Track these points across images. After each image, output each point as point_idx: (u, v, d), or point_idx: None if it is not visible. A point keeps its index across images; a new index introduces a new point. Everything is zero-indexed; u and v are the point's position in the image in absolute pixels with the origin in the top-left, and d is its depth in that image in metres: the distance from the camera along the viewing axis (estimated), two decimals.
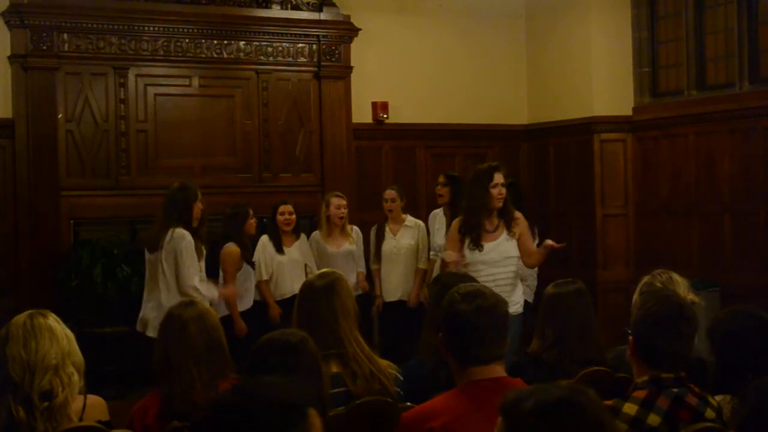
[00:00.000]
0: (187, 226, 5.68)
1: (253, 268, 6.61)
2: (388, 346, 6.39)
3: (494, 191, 5.48)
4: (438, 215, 7.19)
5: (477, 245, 5.50)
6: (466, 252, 5.53)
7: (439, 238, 6.89)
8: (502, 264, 5.53)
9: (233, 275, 6.42)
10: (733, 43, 7.80)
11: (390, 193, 7.13)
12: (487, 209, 5.52)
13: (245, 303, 6.53)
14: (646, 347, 2.78)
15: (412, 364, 3.66)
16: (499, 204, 5.52)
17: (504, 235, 5.57)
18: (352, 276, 6.68)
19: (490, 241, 5.54)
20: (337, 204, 6.87)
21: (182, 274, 5.60)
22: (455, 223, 5.70)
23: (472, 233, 5.51)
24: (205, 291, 5.68)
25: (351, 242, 6.94)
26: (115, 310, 7.10)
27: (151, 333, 5.67)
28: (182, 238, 5.61)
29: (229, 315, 6.31)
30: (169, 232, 5.64)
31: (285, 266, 6.79)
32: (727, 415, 2.77)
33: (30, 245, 7.36)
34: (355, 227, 7.11)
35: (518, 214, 5.72)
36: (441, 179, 7.21)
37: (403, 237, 7.11)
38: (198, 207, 5.79)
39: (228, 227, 6.61)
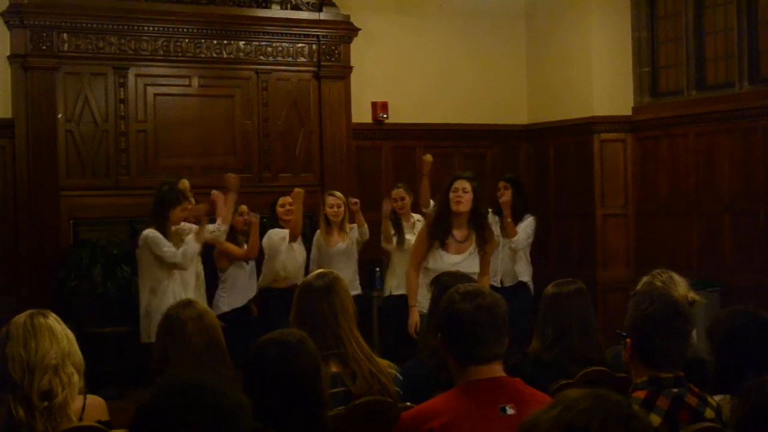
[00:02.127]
0: (161, 226, 5.74)
1: (246, 266, 6.60)
2: (393, 340, 6.45)
3: (452, 195, 5.51)
4: None
5: (443, 246, 5.50)
6: (432, 258, 5.51)
7: None
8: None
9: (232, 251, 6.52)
10: (733, 43, 7.80)
11: (398, 192, 7.12)
12: (451, 216, 5.52)
13: (235, 301, 6.54)
14: (644, 348, 2.77)
15: (411, 364, 3.66)
16: (456, 207, 5.51)
17: (471, 248, 5.55)
18: (348, 273, 6.71)
19: (456, 253, 5.52)
20: (331, 203, 6.93)
21: (163, 258, 5.68)
22: (423, 226, 5.77)
23: (440, 237, 5.52)
24: (191, 245, 5.76)
25: (344, 240, 6.98)
26: (115, 310, 7.11)
27: (144, 338, 5.71)
28: (146, 235, 5.71)
29: (226, 312, 6.32)
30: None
31: (294, 253, 6.81)
32: (726, 415, 2.77)
33: (30, 245, 7.36)
34: (354, 225, 7.12)
35: (494, 235, 5.80)
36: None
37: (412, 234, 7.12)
38: (179, 211, 5.83)
39: None
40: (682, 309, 2.83)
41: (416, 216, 7.18)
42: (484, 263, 5.66)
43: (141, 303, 5.86)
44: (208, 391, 1.71)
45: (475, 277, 5.40)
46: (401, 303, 7.03)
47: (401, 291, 7.10)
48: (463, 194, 5.52)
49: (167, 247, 5.68)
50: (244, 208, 6.69)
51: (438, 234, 5.51)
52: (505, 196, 7.04)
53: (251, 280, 6.71)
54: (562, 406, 1.52)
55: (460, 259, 5.48)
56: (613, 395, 1.55)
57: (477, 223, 5.58)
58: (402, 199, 7.08)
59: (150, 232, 5.71)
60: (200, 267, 6.18)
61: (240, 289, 6.61)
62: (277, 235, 6.75)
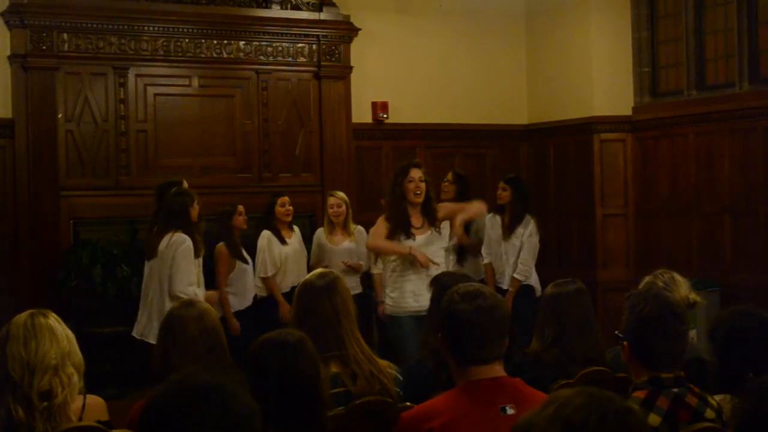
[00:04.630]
0: (187, 230, 5.65)
1: (248, 264, 6.63)
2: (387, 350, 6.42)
3: (410, 185, 5.58)
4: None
5: (408, 235, 5.56)
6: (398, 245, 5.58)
7: None
8: (437, 256, 5.59)
9: (224, 275, 6.54)
10: (733, 43, 7.80)
11: None
12: (407, 204, 5.59)
13: (244, 301, 6.56)
14: (642, 350, 2.77)
15: (412, 365, 3.66)
16: (417, 199, 5.61)
17: (430, 231, 5.65)
18: (349, 273, 6.70)
19: (419, 235, 5.62)
20: (330, 203, 6.98)
21: (174, 279, 5.53)
22: (381, 218, 5.74)
23: (401, 225, 5.58)
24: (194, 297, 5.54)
25: (351, 240, 6.98)
26: (115, 310, 7.09)
27: (152, 339, 5.65)
28: (182, 242, 5.56)
29: (238, 311, 6.36)
30: (167, 237, 5.61)
31: (290, 257, 6.86)
32: (727, 415, 2.77)
33: (30, 245, 7.35)
34: (359, 227, 7.12)
35: (439, 205, 5.87)
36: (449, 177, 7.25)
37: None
38: (195, 210, 5.77)
39: (217, 226, 6.70)
40: (676, 309, 2.83)
41: None
42: (447, 209, 5.83)
43: (152, 301, 5.74)
44: (222, 393, 1.69)
45: (441, 257, 5.64)
46: None
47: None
48: (420, 184, 5.60)
49: (191, 287, 5.53)
50: (241, 208, 6.70)
51: (400, 226, 5.58)
52: (502, 198, 6.97)
53: (251, 274, 6.73)
54: (557, 404, 1.51)
55: (423, 238, 5.59)
56: (606, 392, 1.55)
57: (428, 207, 5.68)
58: None
59: (188, 246, 5.56)
60: (200, 269, 6.16)
61: (249, 288, 6.65)
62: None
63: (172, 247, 5.57)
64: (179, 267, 5.53)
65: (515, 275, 6.80)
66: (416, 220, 5.65)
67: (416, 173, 5.60)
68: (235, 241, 6.64)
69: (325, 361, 3.01)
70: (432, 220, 5.66)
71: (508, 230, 6.84)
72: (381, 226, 5.66)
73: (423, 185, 5.62)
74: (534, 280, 6.89)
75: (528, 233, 6.82)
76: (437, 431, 2.51)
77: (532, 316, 5.91)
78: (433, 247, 5.61)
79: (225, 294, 6.50)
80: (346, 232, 7.00)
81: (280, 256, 6.82)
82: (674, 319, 2.79)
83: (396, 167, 5.85)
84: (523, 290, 6.74)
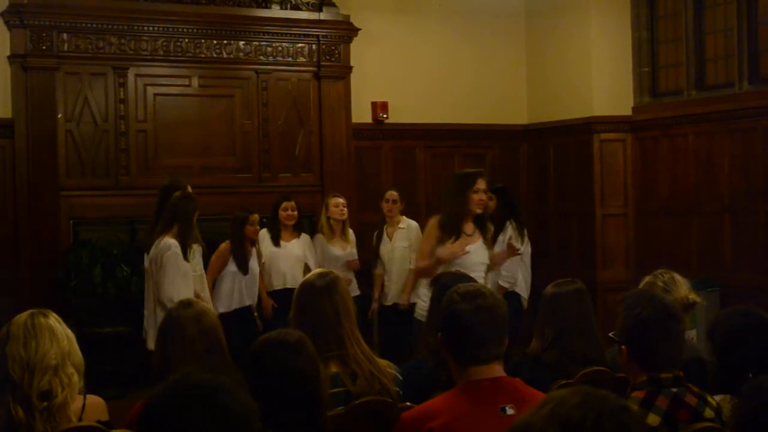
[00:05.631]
0: (186, 235, 5.60)
1: (245, 274, 6.53)
2: (387, 350, 6.40)
3: (475, 196, 5.45)
4: None
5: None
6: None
7: None
8: (478, 269, 5.42)
9: (213, 269, 6.45)
10: (733, 43, 7.80)
11: (392, 193, 7.12)
12: (468, 214, 5.48)
13: (225, 305, 6.49)
14: (641, 352, 2.77)
15: (411, 365, 3.66)
16: (479, 210, 5.49)
17: (480, 241, 5.54)
18: (349, 276, 6.70)
19: (472, 243, 5.50)
20: (335, 203, 6.95)
21: (162, 285, 5.51)
22: (433, 221, 5.61)
23: (455, 234, 5.45)
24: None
25: (352, 245, 7.01)
26: (115, 310, 7.11)
27: (151, 345, 5.64)
28: (167, 248, 5.53)
29: (225, 313, 6.31)
30: (157, 241, 5.59)
31: (279, 258, 6.82)
32: (726, 415, 2.77)
33: (30, 245, 7.36)
34: (350, 231, 7.12)
35: (490, 226, 5.77)
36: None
37: (397, 240, 7.11)
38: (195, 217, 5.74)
39: (231, 231, 6.64)
40: (673, 311, 2.84)
41: (408, 222, 7.14)
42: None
43: (148, 308, 5.71)
44: (221, 393, 1.69)
45: (482, 271, 5.49)
46: (392, 312, 7.03)
47: (388, 302, 7.10)
48: (483, 196, 5.51)
49: (174, 293, 5.40)
50: (255, 217, 6.64)
51: (453, 231, 5.44)
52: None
53: (249, 284, 6.66)
54: (554, 403, 1.52)
55: (474, 248, 5.48)
56: (602, 390, 1.55)
57: (482, 219, 5.60)
58: (394, 201, 7.06)
59: (174, 252, 5.51)
60: (200, 267, 6.14)
61: (234, 294, 6.57)
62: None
63: (160, 253, 5.55)
64: (166, 273, 5.51)
65: (500, 282, 6.70)
66: (468, 227, 5.51)
67: (483, 184, 5.48)
68: (244, 247, 6.57)
69: (325, 361, 3.01)
70: (483, 231, 5.57)
71: (493, 239, 6.80)
72: (433, 231, 5.50)
73: (485, 196, 5.53)
74: (521, 288, 6.85)
75: (506, 240, 6.73)
76: (437, 431, 2.51)
77: (514, 324, 5.89)
78: (478, 260, 5.49)
79: (208, 286, 6.30)
80: (344, 236, 7.00)
81: (266, 254, 6.78)
82: (670, 320, 2.79)
83: (461, 173, 5.71)
84: (508, 297, 6.62)
